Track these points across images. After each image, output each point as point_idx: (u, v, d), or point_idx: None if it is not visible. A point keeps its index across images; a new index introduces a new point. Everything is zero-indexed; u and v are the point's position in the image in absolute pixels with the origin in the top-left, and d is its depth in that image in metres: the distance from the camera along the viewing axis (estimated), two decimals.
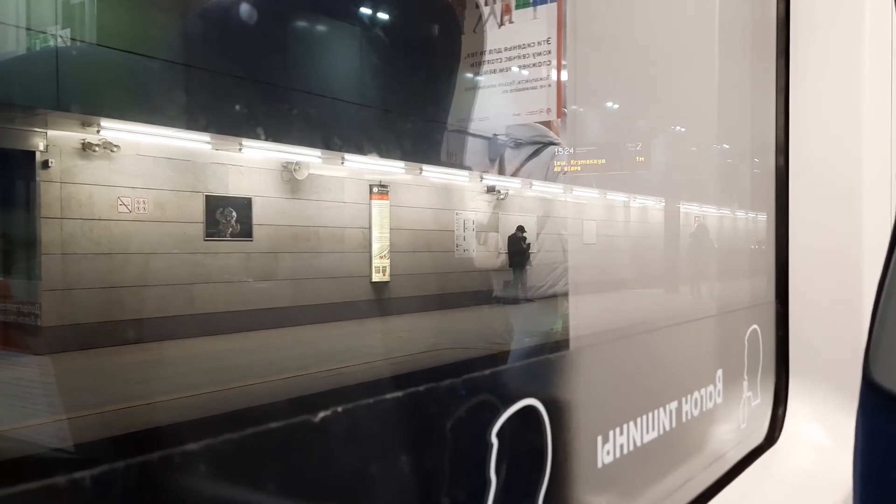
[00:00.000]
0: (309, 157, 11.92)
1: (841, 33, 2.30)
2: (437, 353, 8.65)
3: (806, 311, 2.38)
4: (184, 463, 0.72)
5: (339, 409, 0.89)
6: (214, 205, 10.91)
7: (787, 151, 2.40)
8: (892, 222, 0.88)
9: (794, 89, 2.38)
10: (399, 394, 0.97)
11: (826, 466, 2.19)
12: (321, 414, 0.86)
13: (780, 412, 2.41)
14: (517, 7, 2.43)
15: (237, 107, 8.88)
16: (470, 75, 2.60)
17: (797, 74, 2.37)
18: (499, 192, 16.53)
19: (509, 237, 16.03)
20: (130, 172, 9.79)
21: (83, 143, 9.27)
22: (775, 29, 2.39)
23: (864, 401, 0.90)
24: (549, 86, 2.41)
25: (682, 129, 2.41)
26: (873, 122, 2.24)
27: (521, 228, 15.90)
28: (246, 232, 11.31)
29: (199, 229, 10.72)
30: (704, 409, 1.92)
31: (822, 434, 2.32)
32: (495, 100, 2.54)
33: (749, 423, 2.24)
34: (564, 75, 2.35)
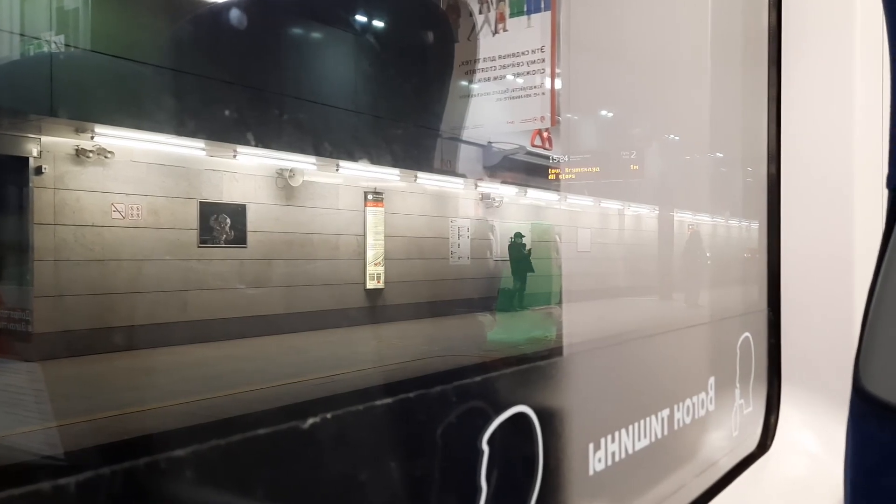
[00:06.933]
0: (303, 164, 11.93)
1: (832, 43, 2.31)
2: (429, 360, 8.64)
3: (798, 319, 2.38)
4: (169, 469, 0.72)
5: (331, 415, 0.88)
6: (208, 211, 10.89)
7: (779, 160, 2.40)
8: (883, 230, 0.88)
9: (785, 98, 2.39)
10: (390, 401, 0.97)
11: (818, 474, 2.19)
12: (311, 420, 0.86)
13: (773, 420, 2.41)
14: (511, 15, 2.43)
15: (232, 113, 8.87)
16: (464, 83, 2.60)
17: (789, 83, 2.38)
18: (493, 199, 16.56)
19: (509, 244, 16.06)
20: (124, 178, 9.77)
21: (77, 150, 9.26)
22: (767, 38, 2.40)
23: (855, 408, 0.90)
24: (543, 94, 2.41)
25: (676, 138, 2.41)
26: (864, 130, 2.25)
27: (518, 235, 15.93)
28: (240, 239, 11.29)
29: (193, 236, 10.70)
30: (696, 417, 1.92)
31: (815, 441, 2.32)
32: (489, 107, 2.54)
33: (741, 430, 2.25)
34: (558, 83, 2.35)
